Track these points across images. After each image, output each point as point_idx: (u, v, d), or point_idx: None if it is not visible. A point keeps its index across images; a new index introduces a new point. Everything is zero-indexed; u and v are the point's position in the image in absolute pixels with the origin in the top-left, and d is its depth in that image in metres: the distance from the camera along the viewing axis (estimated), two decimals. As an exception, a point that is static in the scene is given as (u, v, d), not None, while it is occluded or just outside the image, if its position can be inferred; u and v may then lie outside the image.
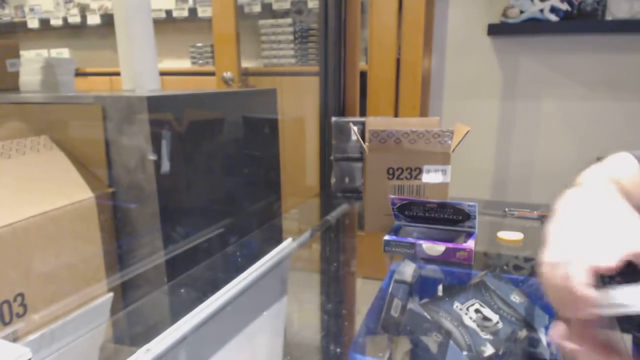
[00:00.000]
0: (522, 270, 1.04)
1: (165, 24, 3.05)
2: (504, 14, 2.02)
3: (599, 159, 0.76)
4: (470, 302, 0.78)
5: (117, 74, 1.43)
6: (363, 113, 2.19)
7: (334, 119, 1.33)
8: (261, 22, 2.68)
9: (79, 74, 3.03)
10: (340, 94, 1.92)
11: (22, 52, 1.77)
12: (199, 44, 2.99)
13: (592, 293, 0.43)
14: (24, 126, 1.08)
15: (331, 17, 1.82)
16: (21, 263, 0.84)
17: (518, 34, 2.10)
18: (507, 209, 1.29)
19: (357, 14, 1.95)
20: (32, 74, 1.39)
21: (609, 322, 0.46)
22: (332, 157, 1.34)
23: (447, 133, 1.03)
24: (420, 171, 1.05)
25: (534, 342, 0.73)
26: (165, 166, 1.02)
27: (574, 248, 0.47)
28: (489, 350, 0.70)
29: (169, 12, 2.98)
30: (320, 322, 0.99)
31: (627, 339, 0.78)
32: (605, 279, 0.46)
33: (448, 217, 0.98)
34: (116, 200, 1.04)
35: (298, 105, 2.45)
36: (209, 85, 2.68)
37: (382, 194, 1.06)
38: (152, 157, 0.99)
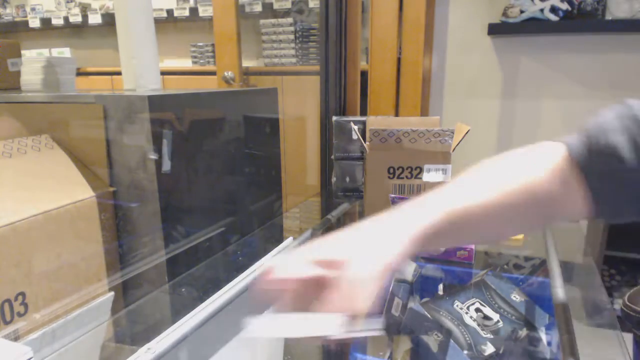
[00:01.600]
0: (523, 269, 1.04)
1: (166, 23, 3.06)
2: (504, 14, 2.02)
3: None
4: (470, 301, 0.78)
5: (118, 73, 1.43)
6: (364, 112, 2.19)
7: (334, 118, 1.33)
8: (262, 21, 2.68)
9: (80, 73, 3.03)
10: (341, 94, 1.92)
11: (23, 52, 1.77)
12: (200, 44, 2.99)
13: None
14: (25, 125, 1.08)
15: (332, 17, 1.82)
16: (22, 262, 0.84)
17: (518, 33, 2.10)
18: (507, 209, 1.29)
19: (358, 13, 1.95)
20: (34, 74, 1.39)
21: None
22: (332, 157, 1.34)
23: (447, 132, 1.03)
24: (421, 170, 1.05)
25: (534, 341, 0.73)
26: (166, 165, 1.02)
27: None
28: (489, 349, 0.70)
29: (170, 12, 2.98)
30: (320, 321, 0.99)
31: (627, 338, 0.78)
32: None
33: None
34: (117, 200, 1.04)
35: (299, 105, 2.46)
36: (210, 84, 2.68)
37: (383, 193, 1.06)
38: (153, 156, 0.99)
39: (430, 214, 0.50)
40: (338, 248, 0.47)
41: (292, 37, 2.62)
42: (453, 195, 0.53)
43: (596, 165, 0.52)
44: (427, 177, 1.06)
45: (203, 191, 1.18)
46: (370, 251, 0.45)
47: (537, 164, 0.55)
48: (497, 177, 0.55)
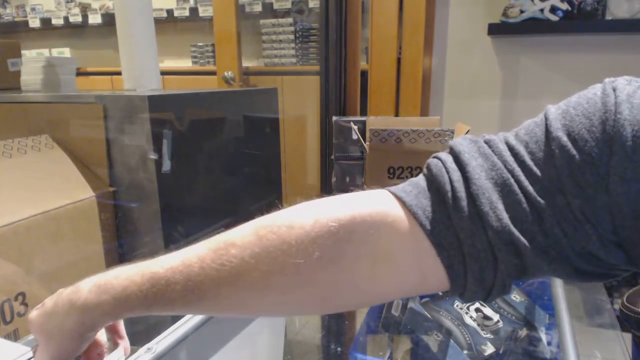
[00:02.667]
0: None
1: (166, 23, 3.06)
2: (504, 14, 2.02)
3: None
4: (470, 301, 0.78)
5: (119, 73, 1.43)
6: (364, 112, 2.19)
7: (334, 118, 1.33)
8: (262, 21, 2.68)
9: (80, 73, 3.03)
10: (341, 94, 1.93)
11: (23, 52, 1.77)
12: (200, 44, 2.99)
13: None
14: (25, 125, 1.08)
15: (332, 17, 1.83)
16: (22, 262, 0.84)
17: (518, 33, 2.10)
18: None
19: (358, 13, 1.96)
20: (34, 74, 1.39)
21: None
22: (332, 157, 1.34)
23: (447, 132, 1.03)
24: (421, 170, 1.05)
25: (534, 341, 0.73)
26: (166, 165, 1.02)
27: None
28: (489, 349, 0.70)
29: (170, 12, 2.98)
30: (320, 321, 0.99)
31: (627, 338, 0.79)
32: None
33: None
34: (117, 200, 1.04)
35: (299, 105, 2.45)
36: (209, 84, 2.68)
37: (383, 193, 1.06)
38: (153, 156, 0.99)
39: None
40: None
41: (292, 37, 2.62)
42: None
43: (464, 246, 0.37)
44: (427, 177, 1.06)
45: (203, 191, 1.18)
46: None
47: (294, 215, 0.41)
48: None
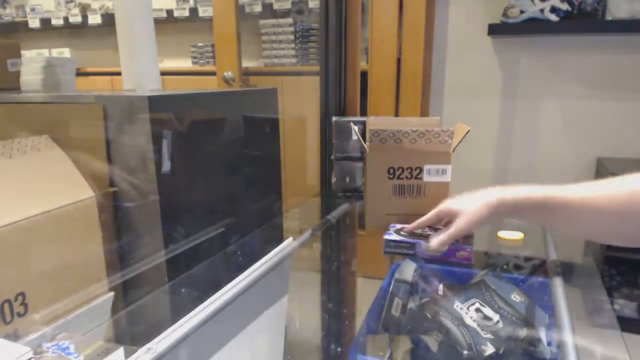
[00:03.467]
0: (523, 269, 1.04)
1: (166, 23, 3.06)
2: (504, 14, 2.03)
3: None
4: (470, 302, 0.78)
5: (118, 73, 1.43)
6: (364, 113, 2.19)
7: (334, 118, 1.33)
8: (262, 21, 2.68)
9: (80, 73, 3.03)
10: (341, 94, 1.92)
11: (23, 52, 1.77)
12: (200, 44, 2.99)
13: None
14: (25, 126, 1.08)
15: (332, 17, 1.83)
16: (22, 262, 0.84)
17: (518, 34, 2.10)
18: (507, 209, 1.28)
19: (358, 13, 1.95)
20: (33, 74, 1.39)
21: None
22: (332, 157, 1.34)
23: (447, 133, 1.03)
24: (421, 170, 1.05)
25: (534, 341, 0.73)
26: (166, 166, 1.02)
27: None
28: (489, 349, 0.70)
29: (169, 12, 2.98)
30: (321, 321, 0.99)
31: (627, 338, 0.78)
32: None
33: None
34: (117, 200, 1.04)
35: (299, 105, 2.46)
36: (209, 85, 2.68)
37: (383, 193, 1.06)
38: (153, 156, 0.99)
39: (531, 190, 0.73)
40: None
41: (291, 37, 2.62)
42: (555, 187, 0.70)
43: None
44: (427, 177, 1.06)
45: (203, 191, 1.18)
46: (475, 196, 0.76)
47: None
48: (609, 185, 0.65)
